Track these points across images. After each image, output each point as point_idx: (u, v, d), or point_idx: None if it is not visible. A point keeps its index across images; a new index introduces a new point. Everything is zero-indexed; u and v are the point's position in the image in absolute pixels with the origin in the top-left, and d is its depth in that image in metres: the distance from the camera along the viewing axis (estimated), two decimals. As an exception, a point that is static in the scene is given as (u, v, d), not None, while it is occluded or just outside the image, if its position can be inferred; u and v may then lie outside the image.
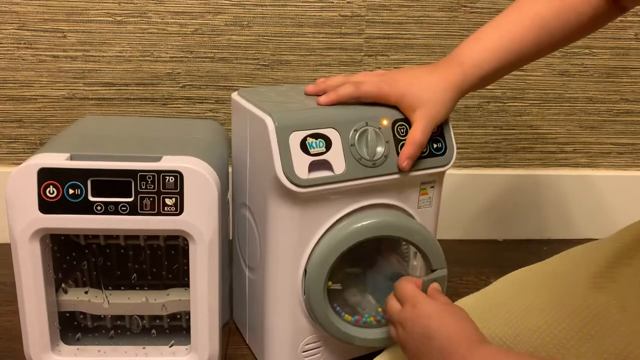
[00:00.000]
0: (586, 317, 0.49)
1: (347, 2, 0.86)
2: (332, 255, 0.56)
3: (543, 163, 0.99)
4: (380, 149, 0.56)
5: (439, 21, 0.89)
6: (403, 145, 0.57)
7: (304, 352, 0.61)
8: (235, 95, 0.62)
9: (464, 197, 0.97)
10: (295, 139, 0.53)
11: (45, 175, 0.50)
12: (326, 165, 0.54)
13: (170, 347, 0.59)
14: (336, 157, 0.54)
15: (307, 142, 0.53)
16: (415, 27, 0.89)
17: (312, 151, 0.53)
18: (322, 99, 0.57)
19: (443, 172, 0.61)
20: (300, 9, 0.86)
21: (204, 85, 0.88)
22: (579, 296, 0.51)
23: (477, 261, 0.94)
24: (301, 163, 0.53)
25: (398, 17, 0.88)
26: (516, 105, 0.95)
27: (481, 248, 0.98)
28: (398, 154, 0.57)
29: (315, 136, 0.54)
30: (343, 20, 0.87)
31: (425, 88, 0.56)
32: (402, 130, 0.57)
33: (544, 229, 1.01)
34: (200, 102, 0.89)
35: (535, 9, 0.58)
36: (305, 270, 0.57)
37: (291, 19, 0.86)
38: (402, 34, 0.89)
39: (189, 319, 0.56)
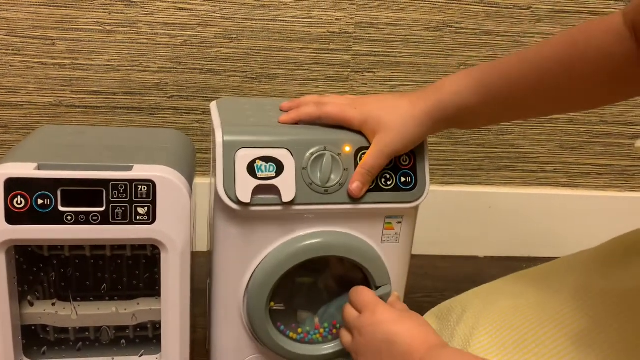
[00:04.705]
0: (566, 320, 0.49)
1: (336, 19, 0.84)
2: (271, 277, 0.52)
3: (524, 182, 0.96)
4: (334, 177, 0.50)
5: (425, 40, 0.86)
6: None
7: None
8: (213, 104, 0.59)
9: (446, 214, 0.94)
10: (242, 157, 0.48)
11: (13, 185, 0.46)
12: (274, 190, 0.49)
13: (140, 356, 0.56)
14: (286, 183, 0.49)
15: (255, 164, 0.48)
16: (402, 46, 0.86)
17: (259, 175, 0.48)
18: (283, 116, 0.53)
19: (413, 209, 0.54)
20: (289, 24, 0.83)
21: (191, 96, 0.84)
22: (562, 299, 0.51)
23: (458, 277, 0.91)
24: (245, 185, 0.48)
25: (385, 35, 0.85)
26: (499, 125, 0.92)
27: (462, 264, 0.95)
28: None
29: (266, 159, 0.49)
30: (331, 36, 0.84)
31: (389, 112, 0.50)
32: None
33: (524, 247, 0.98)
34: (187, 113, 0.85)
35: (541, 52, 0.47)
36: (247, 291, 0.53)
37: (280, 33, 0.83)
38: (388, 52, 0.86)
39: (156, 328, 0.53)
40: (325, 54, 0.85)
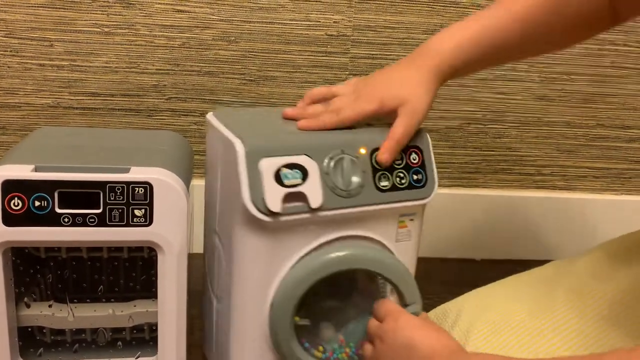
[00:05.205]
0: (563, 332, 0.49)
1: (334, 22, 0.84)
2: (298, 289, 0.51)
3: (521, 185, 0.97)
4: (355, 179, 0.51)
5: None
6: (382, 176, 0.53)
7: None
8: (209, 116, 0.57)
9: (443, 216, 0.94)
10: (267, 166, 0.47)
11: (10, 187, 0.46)
12: (301, 196, 0.48)
13: (136, 358, 0.56)
14: (313, 189, 0.49)
15: (281, 172, 0.47)
16: (400, 48, 0.86)
17: (286, 182, 0.48)
18: (304, 123, 0.53)
19: (423, 205, 0.56)
20: (287, 26, 0.83)
21: (189, 98, 0.84)
22: (558, 302, 0.52)
23: (455, 280, 0.91)
24: (274, 195, 0.47)
25: (383, 38, 0.85)
26: (496, 128, 0.93)
27: (459, 267, 0.95)
28: (375, 184, 0.52)
29: (291, 166, 0.48)
30: (329, 39, 0.84)
31: (402, 85, 0.52)
32: None
33: (521, 249, 0.98)
34: (185, 115, 0.85)
35: (524, 5, 0.54)
36: (272, 304, 0.52)
37: (278, 36, 0.83)
38: (386, 55, 0.86)
39: (153, 330, 0.53)
40: (323, 56, 0.85)
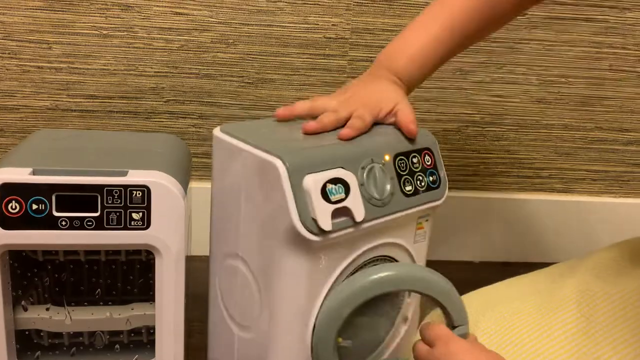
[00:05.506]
0: (568, 331, 0.50)
1: (332, 25, 0.84)
2: (342, 311, 0.49)
3: (520, 187, 0.97)
4: (388, 187, 0.51)
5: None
6: (405, 180, 0.54)
7: None
8: (218, 132, 0.52)
9: (441, 219, 0.94)
10: (312, 183, 0.45)
11: (8, 190, 0.47)
12: (345, 211, 0.47)
13: (134, 362, 0.56)
14: (355, 202, 0.48)
15: (327, 188, 0.46)
16: (398, 51, 0.86)
17: (332, 198, 0.46)
18: (346, 131, 0.53)
19: (437, 206, 0.57)
20: (285, 29, 0.83)
21: (187, 100, 0.85)
22: (562, 302, 0.53)
23: (453, 282, 0.91)
24: (324, 213, 0.45)
25: (381, 41, 0.86)
26: (494, 130, 0.93)
27: (457, 269, 0.95)
28: (402, 190, 0.53)
29: (334, 181, 0.47)
30: (327, 42, 0.85)
31: (388, 92, 0.58)
32: (402, 165, 0.53)
33: (519, 252, 0.98)
34: (183, 117, 0.85)
35: (459, 4, 0.60)
36: (314, 327, 0.50)
37: (276, 38, 0.83)
38: (384, 57, 0.86)
39: (151, 333, 0.54)
40: (322, 59, 0.85)
